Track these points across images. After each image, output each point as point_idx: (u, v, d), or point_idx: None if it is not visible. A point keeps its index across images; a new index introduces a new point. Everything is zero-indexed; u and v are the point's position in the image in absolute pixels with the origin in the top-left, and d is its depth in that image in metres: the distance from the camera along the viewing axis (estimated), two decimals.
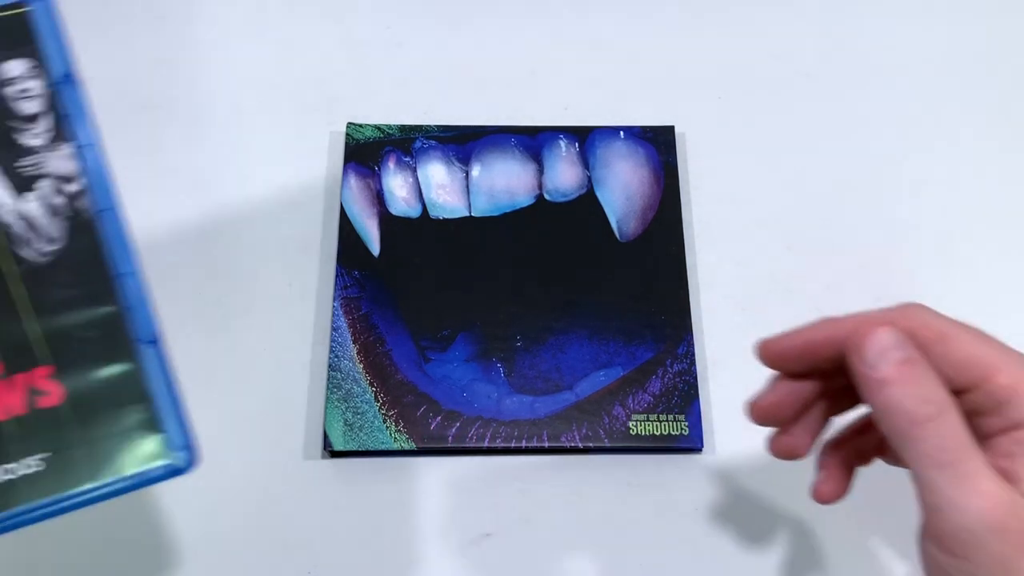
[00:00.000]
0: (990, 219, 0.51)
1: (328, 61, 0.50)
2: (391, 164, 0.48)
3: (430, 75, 0.51)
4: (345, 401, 0.46)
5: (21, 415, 0.33)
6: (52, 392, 0.33)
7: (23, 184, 0.34)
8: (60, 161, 0.34)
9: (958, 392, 0.32)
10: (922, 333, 0.32)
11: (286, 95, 0.49)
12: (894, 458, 0.36)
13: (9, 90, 0.34)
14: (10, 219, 0.33)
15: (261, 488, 0.44)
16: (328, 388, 0.46)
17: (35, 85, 0.34)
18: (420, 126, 0.49)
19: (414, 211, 0.48)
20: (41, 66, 0.34)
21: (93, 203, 0.34)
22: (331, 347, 0.46)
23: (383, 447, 0.44)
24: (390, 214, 0.48)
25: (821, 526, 0.44)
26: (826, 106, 0.53)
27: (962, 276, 0.48)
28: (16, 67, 0.34)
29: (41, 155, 0.34)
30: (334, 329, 0.46)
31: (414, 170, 0.48)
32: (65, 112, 0.34)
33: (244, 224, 0.48)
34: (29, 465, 0.33)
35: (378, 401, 0.46)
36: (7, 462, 0.33)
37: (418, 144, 0.49)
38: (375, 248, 0.47)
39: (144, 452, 0.34)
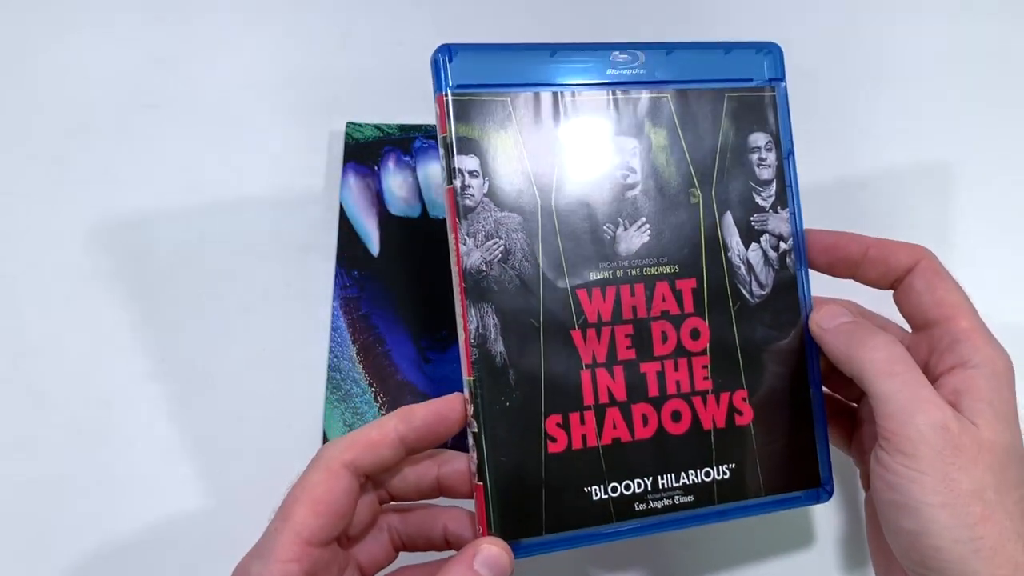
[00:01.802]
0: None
1: (328, 60, 0.50)
2: (391, 164, 0.48)
3: (430, 74, 0.50)
4: (344, 401, 0.46)
5: (722, 428, 0.39)
6: (745, 413, 0.40)
7: (751, 236, 0.41)
8: (779, 222, 0.41)
9: (930, 323, 0.39)
10: (922, 264, 0.39)
11: (285, 94, 0.49)
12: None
13: (753, 156, 0.41)
14: (738, 262, 0.40)
15: (261, 489, 0.44)
16: (327, 388, 0.46)
17: (770, 157, 0.41)
18: (420, 125, 0.49)
19: (414, 211, 0.48)
20: (775, 141, 0.41)
21: (795, 262, 0.41)
22: (330, 347, 0.46)
23: None
24: (390, 214, 0.48)
25: None
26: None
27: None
28: (759, 139, 0.41)
29: (767, 215, 0.41)
30: (333, 329, 0.46)
31: (414, 170, 0.48)
32: (787, 183, 0.41)
33: (243, 224, 0.47)
34: (723, 472, 0.39)
35: (377, 402, 0.46)
36: (709, 465, 0.39)
37: (418, 143, 0.49)
38: (374, 248, 0.47)
39: (801, 477, 0.40)
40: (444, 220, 0.48)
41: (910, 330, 0.41)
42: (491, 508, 0.36)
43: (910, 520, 0.35)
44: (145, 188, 0.48)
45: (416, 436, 0.36)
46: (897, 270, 0.40)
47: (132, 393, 0.46)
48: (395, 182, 0.48)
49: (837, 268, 0.41)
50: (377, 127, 0.48)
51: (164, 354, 0.46)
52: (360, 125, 0.48)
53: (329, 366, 0.46)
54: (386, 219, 0.48)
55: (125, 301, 0.47)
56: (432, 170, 0.48)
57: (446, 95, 0.37)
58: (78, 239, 0.47)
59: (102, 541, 0.45)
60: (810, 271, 0.42)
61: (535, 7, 0.52)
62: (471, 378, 0.36)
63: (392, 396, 0.46)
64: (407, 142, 0.48)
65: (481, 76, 0.37)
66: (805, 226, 0.42)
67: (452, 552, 0.38)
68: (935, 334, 0.39)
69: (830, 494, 0.41)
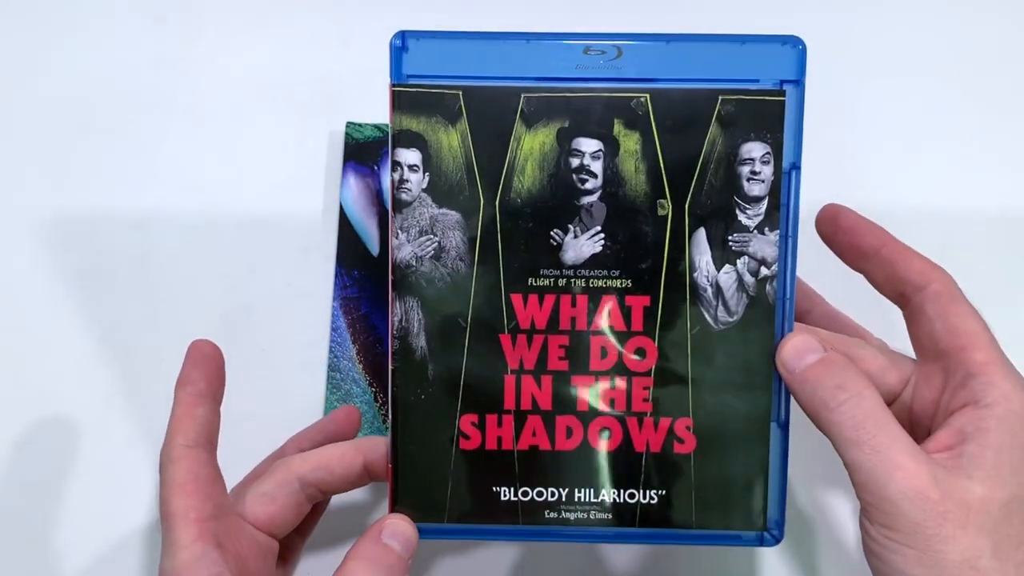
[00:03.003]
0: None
1: (328, 61, 0.50)
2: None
3: None
4: (344, 402, 0.45)
5: (656, 453, 0.37)
6: (687, 442, 0.37)
7: (726, 257, 0.37)
8: (764, 245, 0.37)
9: (941, 353, 0.35)
10: (934, 287, 0.35)
11: (285, 95, 0.49)
12: None
13: (743, 169, 0.36)
14: (705, 284, 0.37)
15: None
16: (327, 389, 0.46)
17: (765, 171, 0.36)
18: None
19: None
20: (774, 153, 0.36)
21: (777, 290, 0.37)
22: (330, 347, 0.46)
23: None
24: None
25: None
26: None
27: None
28: (755, 149, 0.36)
29: (750, 235, 0.37)
30: (333, 329, 0.46)
31: None
32: (782, 201, 0.37)
33: (243, 224, 0.47)
34: (651, 497, 0.38)
35: (377, 401, 0.46)
36: (636, 487, 0.37)
37: None
38: (374, 248, 0.47)
39: (742, 518, 0.38)
40: None
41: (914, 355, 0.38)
42: (397, 491, 0.37)
43: None
44: (145, 188, 0.48)
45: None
46: (904, 283, 0.36)
47: (132, 393, 0.46)
48: None
49: (847, 254, 0.38)
50: (377, 127, 0.48)
51: (164, 354, 0.46)
52: (360, 125, 0.48)
53: (329, 366, 0.46)
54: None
55: (125, 301, 0.47)
56: None
57: (393, 84, 0.36)
58: (78, 239, 0.47)
59: (101, 541, 0.45)
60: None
61: (539, 6, 0.52)
62: (391, 367, 0.37)
63: None
64: None
65: (438, 66, 0.36)
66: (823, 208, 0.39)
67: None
68: (948, 366, 0.35)
69: (776, 540, 0.38)
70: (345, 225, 0.47)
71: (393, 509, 0.37)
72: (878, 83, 0.52)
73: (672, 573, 0.46)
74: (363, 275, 0.47)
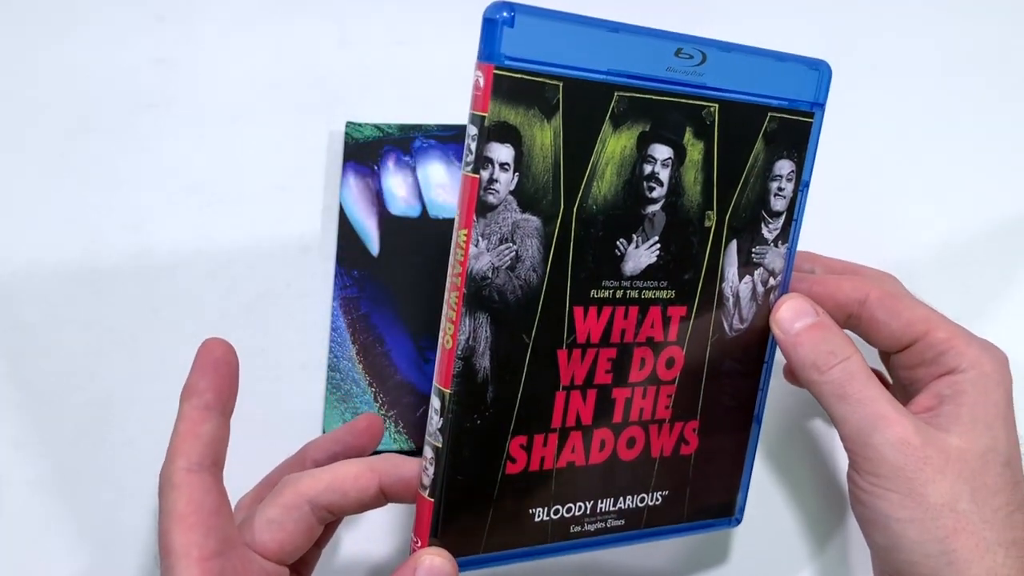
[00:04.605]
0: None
1: (328, 60, 0.50)
2: (390, 163, 0.48)
3: (430, 74, 0.50)
4: (344, 402, 0.45)
5: (667, 457, 0.38)
6: (691, 443, 0.39)
7: (748, 268, 0.38)
8: (775, 257, 0.38)
9: (907, 345, 0.38)
10: (872, 295, 0.38)
11: (285, 94, 0.49)
12: None
13: (773, 184, 0.38)
14: (729, 294, 0.38)
15: None
16: (327, 389, 0.46)
17: (788, 188, 0.38)
18: (420, 125, 0.49)
19: (414, 210, 0.48)
20: (796, 171, 0.38)
21: (776, 299, 0.39)
22: (330, 347, 0.46)
23: (382, 448, 0.44)
24: (389, 214, 0.48)
25: None
26: None
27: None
28: (784, 167, 0.38)
29: (767, 248, 0.38)
30: (333, 329, 0.46)
31: (414, 169, 0.48)
32: (795, 216, 0.39)
33: (242, 223, 0.47)
34: (656, 498, 0.38)
35: (377, 402, 0.46)
36: (647, 491, 0.38)
37: (418, 143, 0.48)
38: (374, 248, 0.47)
39: (721, 508, 0.40)
40: (444, 220, 0.48)
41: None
42: (437, 524, 0.34)
43: (880, 536, 0.36)
44: (145, 188, 0.47)
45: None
46: (847, 305, 0.39)
47: (132, 393, 0.46)
48: (395, 182, 0.48)
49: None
50: (377, 127, 0.48)
51: (164, 354, 0.46)
52: (360, 125, 0.48)
53: (329, 366, 0.46)
54: (386, 219, 0.47)
55: (124, 301, 0.47)
56: (432, 169, 0.48)
57: (495, 66, 0.30)
58: (78, 238, 0.47)
59: (102, 541, 0.45)
60: None
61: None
62: (448, 391, 0.33)
63: (392, 396, 0.46)
64: (407, 142, 0.48)
65: (536, 50, 0.31)
66: None
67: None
68: (917, 351, 0.38)
69: (739, 521, 0.41)
70: (345, 225, 0.47)
71: (429, 543, 0.34)
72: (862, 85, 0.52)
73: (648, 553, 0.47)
74: (363, 275, 0.47)
